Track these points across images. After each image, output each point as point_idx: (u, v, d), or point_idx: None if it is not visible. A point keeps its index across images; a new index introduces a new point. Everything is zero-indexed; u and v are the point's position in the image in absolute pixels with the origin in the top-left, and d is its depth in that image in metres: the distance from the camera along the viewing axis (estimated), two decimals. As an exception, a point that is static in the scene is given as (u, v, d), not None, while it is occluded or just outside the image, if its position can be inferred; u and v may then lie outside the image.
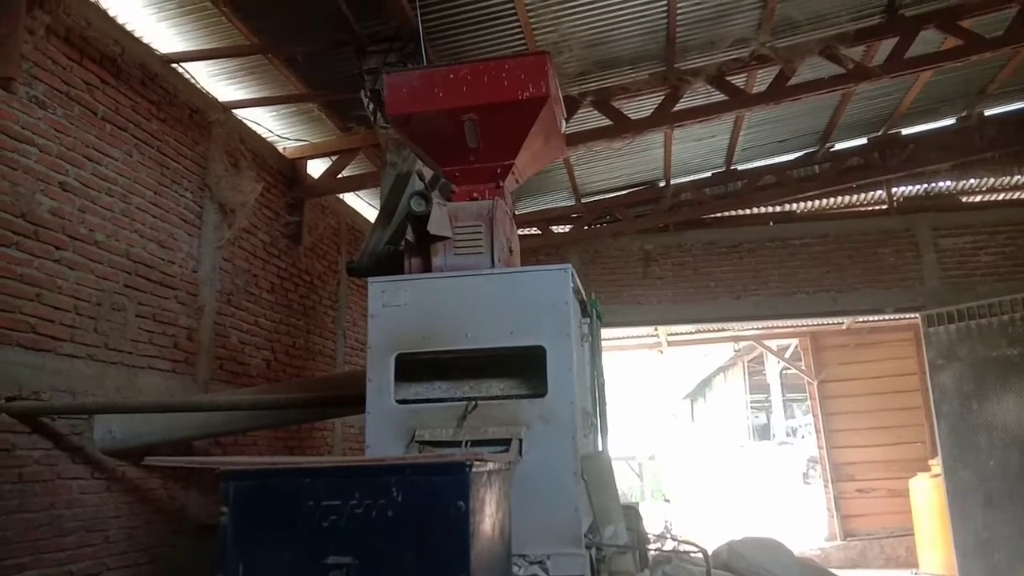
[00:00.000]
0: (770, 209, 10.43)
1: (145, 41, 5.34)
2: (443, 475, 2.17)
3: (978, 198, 10.42)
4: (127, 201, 4.98)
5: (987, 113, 9.23)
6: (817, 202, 10.49)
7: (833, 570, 7.13)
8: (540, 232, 10.28)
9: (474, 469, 2.19)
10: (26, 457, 4.12)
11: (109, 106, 4.87)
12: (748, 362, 17.48)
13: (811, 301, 9.72)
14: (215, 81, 6.11)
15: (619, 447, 20.20)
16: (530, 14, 5.82)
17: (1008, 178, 10.19)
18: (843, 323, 13.00)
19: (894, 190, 10.15)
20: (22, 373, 4.12)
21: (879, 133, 9.46)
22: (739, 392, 17.93)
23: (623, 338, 14.10)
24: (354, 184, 7.70)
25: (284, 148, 7.11)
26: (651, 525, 4.20)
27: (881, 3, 6.74)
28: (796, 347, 14.86)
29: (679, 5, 6.11)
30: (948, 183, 10.20)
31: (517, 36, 6.01)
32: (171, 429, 4.74)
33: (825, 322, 12.96)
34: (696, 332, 13.88)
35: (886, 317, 11.37)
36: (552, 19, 5.96)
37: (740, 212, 10.47)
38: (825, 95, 7.50)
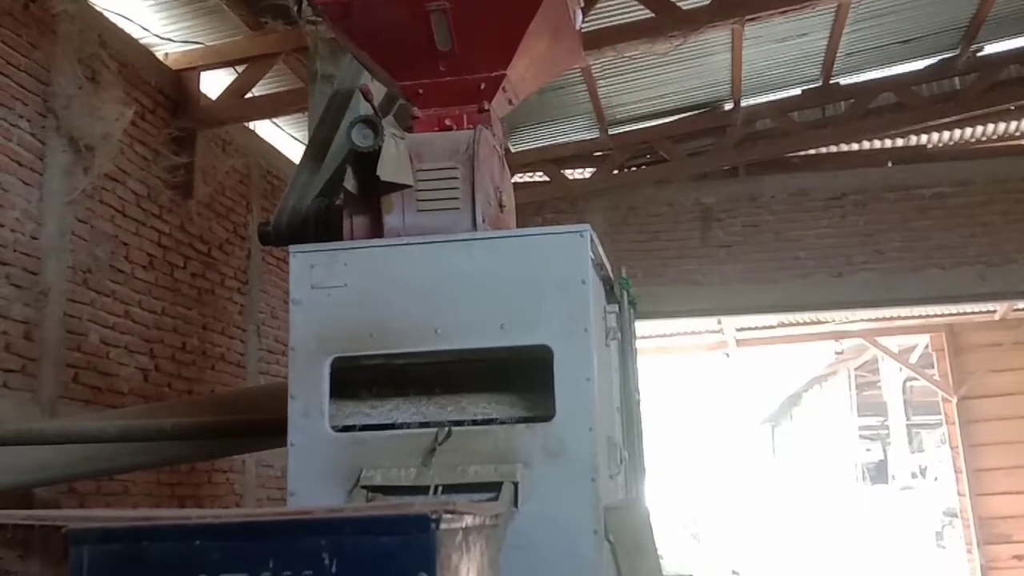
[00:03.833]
0: (888, 143, 10.42)
1: None
2: (398, 534, 2.16)
3: None
4: (-68, 134, 4.97)
5: None
6: (958, 132, 10.48)
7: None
8: (547, 179, 10.28)
9: (444, 525, 2.18)
10: None
11: (-98, -8, 4.85)
12: (855, 370, 17.57)
13: (948, 279, 9.74)
14: (62, -46, 6.08)
15: (663, 494, 20.33)
16: None
17: None
18: (995, 312, 13.04)
19: (1072, 114, 10.18)
20: None
21: (1050, 29, 9.44)
22: (842, 413, 18.02)
23: (671, 335, 14.15)
24: (269, 108, 7.70)
25: (167, 55, 7.07)
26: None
27: None
28: (927, 348, 14.93)
29: None
30: None
31: None
32: (1, 470, 4.73)
33: (969, 310, 13.00)
34: (778, 326, 13.92)
35: (1059, 302, 11.43)
36: None
37: (844, 148, 10.46)
38: (970, -28, 7.48)
